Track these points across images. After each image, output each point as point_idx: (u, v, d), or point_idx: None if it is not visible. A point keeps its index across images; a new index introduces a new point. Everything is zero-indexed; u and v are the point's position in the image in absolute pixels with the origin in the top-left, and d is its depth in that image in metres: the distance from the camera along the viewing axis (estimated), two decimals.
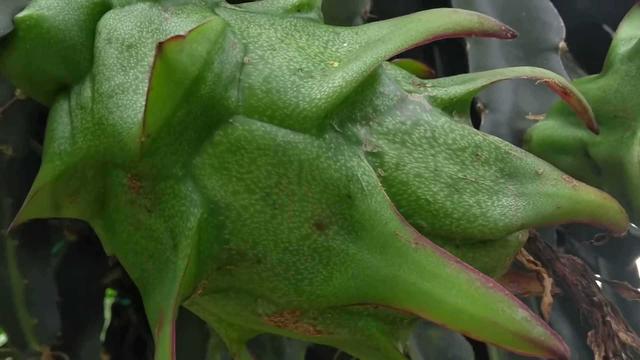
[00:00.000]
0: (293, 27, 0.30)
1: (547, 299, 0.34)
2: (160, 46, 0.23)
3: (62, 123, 0.28)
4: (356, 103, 0.28)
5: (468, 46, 0.51)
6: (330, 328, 0.29)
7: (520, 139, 0.46)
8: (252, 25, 0.29)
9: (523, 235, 0.33)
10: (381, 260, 0.25)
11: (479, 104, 0.48)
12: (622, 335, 0.35)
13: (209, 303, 0.30)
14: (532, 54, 0.51)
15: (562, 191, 0.31)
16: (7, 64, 0.29)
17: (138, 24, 0.28)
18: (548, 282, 0.35)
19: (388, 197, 0.26)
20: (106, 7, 0.29)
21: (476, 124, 0.48)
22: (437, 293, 0.24)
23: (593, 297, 0.37)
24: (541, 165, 0.32)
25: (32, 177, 0.29)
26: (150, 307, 0.28)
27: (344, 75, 0.27)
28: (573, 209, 0.32)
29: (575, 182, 0.32)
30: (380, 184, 0.27)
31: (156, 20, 0.28)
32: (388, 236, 0.25)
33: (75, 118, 0.28)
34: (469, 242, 0.30)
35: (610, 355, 0.35)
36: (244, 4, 0.33)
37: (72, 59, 0.28)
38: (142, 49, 0.27)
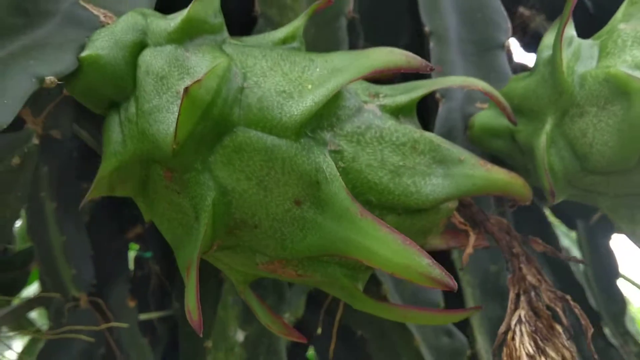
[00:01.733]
0: (279, 57, 0.41)
1: (469, 250, 0.46)
2: (186, 89, 0.34)
3: (115, 131, 0.40)
4: (324, 115, 0.39)
5: (431, 44, 0.62)
6: (307, 272, 0.41)
7: (468, 123, 0.57)
8: (249, 58, 0.41)
9: (452, 204, 0.45)
10: (338, 226, 0.37)
11: (437, 94, 0.59)
12: (530, 278, 0.47)
13: (222, 256, 0.42)
14: (484, 50, 0.61)
15: (477, 172, 0.43)
16: (74, 89, 0.40)
17: (167, 60, 0.39)
18: (472, 238, 0.47)
19: (344, 183, 0.38)
20: (143, 46, 0.40)
21: (435, 110, 0.59)
22: (373, 247, 0.36)
23: (513, 249, 0.49)
24: (463, 154, 0.43)
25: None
26: (181, 258, 0.40)
27: (313, 97, 0.38)
28: (486, 185, 0.43)
29: (489, 166, 0.44)
30: (339, 173, 0.38)
31: (180, 58, 0.39)
32: (343, 210, 0.37)
33: (125, 128, 0.40)
34: (409, 211, 0.42)
35: (521, 292, 0.47)
36: (244, 38, 0.44)
37: (120, 85, 0.40)
38: (171, 79, 0.39)
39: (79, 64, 0.39)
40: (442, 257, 0.44)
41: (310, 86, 0.39)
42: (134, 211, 0.96)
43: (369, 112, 0.42)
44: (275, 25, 0.67)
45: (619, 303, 1.20)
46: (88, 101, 0.41)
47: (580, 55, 0.46)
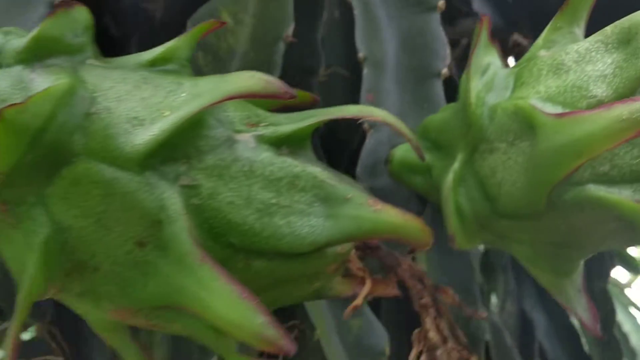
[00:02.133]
0: (142, 80, 0.37)
1: (357, 301, 0.41)
2: (1, 111, 0.31)
3: None
4: (178, 146, 0.35)
5: (365, 71, 0.57)
6: (161, 323, 0.37)
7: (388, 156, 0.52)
8: (106, 80, 0.37)
9: (343, 248, 0.40)
10: (176, 273, 0.33)
11: (365, 125, 0.55)
12: (432, 335, 0.41)
13: (72, 300, 0.38)
14: (421, 78, 0.57)
15: (364, 213, 0.38)
16: None
17: (12, 82, 0.36)
18: (366, 288, 0.42)
19: (188, 223, 0.33)
20: None
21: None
22: (207, 300, 0.31)
23: (421, 299, 0.44)
24: (350, 192, 0.39)
25: None
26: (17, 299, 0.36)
27: (162, 125, 0.34)
28: (373, 229, 0.38)
29: (380, 206, 0.39)
30: (192, 212, 0.34)
31: (25, 80, 0.36)
32: (182, 254, 0.33)
33: None
34: (283, 255, 0.37)
35: (424, 350, 0.42)
36: (112, 59, 0.41)
37: None
38: (11, 103, 0.35)
39: None
40: None
41: (167, 112, 0.35)
42: None
43: (239, 143, 0.37)
44: (209, 49, 0.64)
45: (613, 350, 1.13)
46: None
47: (493, 85, 0.42)
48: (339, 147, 0.68)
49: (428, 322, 0.42)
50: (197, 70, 0.61)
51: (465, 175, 0.42)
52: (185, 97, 0.37)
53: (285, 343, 0.30)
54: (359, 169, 0.53)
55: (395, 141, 0.54)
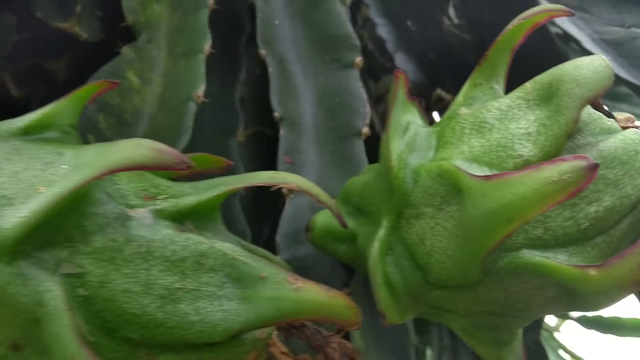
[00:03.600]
0: (14, 151, 0.32)
1: None
2: None
3: None
4: (57, 227, 0.30)
5: (281, 131, 0.54)
6: None
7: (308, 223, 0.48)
8: None
9: (262, 333, 0.36)
10: None
11: (284, 190, 0.51)
12: None
13: None
14: (341, 138, 0.54)
15: (282, 293, 0.34)
16: None
17: None
18: None
19: (71, 321, 0.28)
20: None
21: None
22: None
23: None
24: (266, 270, 0.34)
25: None
26: None
27: (32, 206, 0.29)
28: (294, 310, 0.34)
29: (301, 283, 0.35)
30: (68, 308, 0.29)
31: None
32: (66, 357, 0.27)
33: None
34: (193, 346, 0.32)
35: None
36: None
37: None
38: None
39: None
40: None
41: (42, 189, 0.30)
42: None
43: (134, 220, 0.32)
44: (111, 111, 0.59)
45: None
46: None
47: (415, 145, 0.39)
48: (263, 212, 0.64)
49: None
50: (99, 135, 0.56)
51: (392, 243, 0.38)
52: (66, 170, 0.32)
53: None
54: (278, 238, 0.48)
55: (318, 206, 0.51)
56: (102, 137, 0.54)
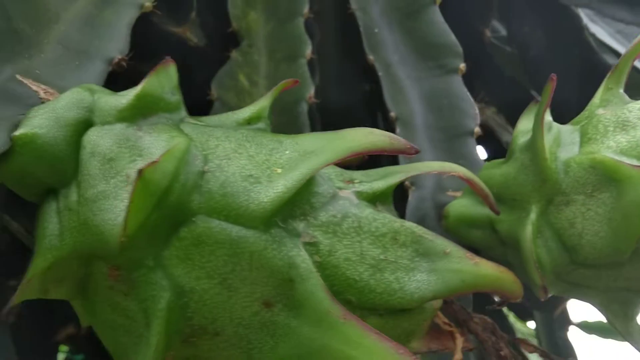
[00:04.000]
0: (244, 138, 0.37)
1: (458, 356, 0.41)
2: (140, 171, 0.29)
3: (52, 222, 0.34)
4: (296, 203, 0.35)
5: (397, 130, 0.59)
6: None
7: (440, 211, 0.53)
8: (211, 139, 0.36)
9: (437, 303, 0.40)
10: (316, 332, 0.32)
11: (406, 182, 0.56)
12: None
13: None
14: (452, 137, 0.59)
15: (465, 267, 0.38)
16: (4, 173, 0.35)
17: (117, 140, 0.34)
18: (459, 341, 0.42)
19: (322, 280, 0.33)
20: (88, 125, 0.35)
21: (404, 198, 0.56)
22: (359, 358, 0.30)
23: (500, 351, 0.44)
24: (449, 246, 0.39)
25: None
26: None
27: (285, 183, 0.33)
28: (475, 282, 0.39)
29: (477, 259, 0.39)
30: (316, 269, 0.33)
31: (132, 138, 0.34)
32: (322, 313, 0.32)
33: (64, 218, 0.34)
34: (391, 311, 0.37)
35: None
36: (203, 118, 0.40)
37: (60, 168, 0.34)
38: (120, 162, 0.34)
39: (11, 143, 0.34)
40: None
41: (280, 170, 0.35)
42: (67, 309, 0.88)
43: (344, 200, 0.37)
44: (231, 109, 0.64)
45: None
46: (20, 187, 0.36)
47: (561, 141, 0.44)
48: None
49: None
50: None
51: (541, 227, 0.43)
52: (291, 154, 0.36)
53: None
54: None
55: (438, 198, 0.55)
56: None
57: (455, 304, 0.46)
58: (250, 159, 0.35)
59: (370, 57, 0.64)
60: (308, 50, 0.67)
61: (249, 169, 0.35)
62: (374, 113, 0.67)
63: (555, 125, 0.46)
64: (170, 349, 0.33)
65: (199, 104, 0.63)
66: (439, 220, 0.52)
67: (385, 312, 0.37)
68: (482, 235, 0.49)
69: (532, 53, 0.92)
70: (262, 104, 0.41)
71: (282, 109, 0.64)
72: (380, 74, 0.62)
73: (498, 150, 0.94)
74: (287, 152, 0.37)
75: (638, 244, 0.39)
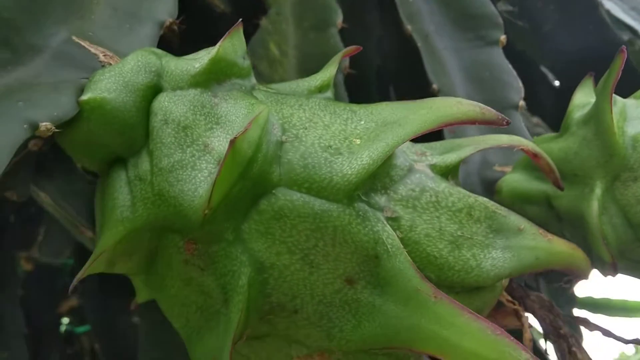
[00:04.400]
0: (317, 107, 0.35)
1: (527, 334, 0.40)
2: (232, 141, 0.27)
3: (122, 192, 0.32)
4: (377, 176, 0.33)
5: None
6: None
7: (487, 187, 0.52)
8: (284, 107, 0.34)
9: (505, 281, 0.39)
10: (405, 311, 0.30)
11: None
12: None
13: (245, 349, 0.34)
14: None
15: (540, 244, 0.37)
16: (69, 139, 0.33)
17: (191, 107, 0.32)
18: (526, 319, 0.41)
19: (409, 257, 0.31)
20: (157, 90, 0.33)
21: None
22: (453, 339, 0.29)
23: (560, 329, 0.43)
24: (522, 222, 0.38)
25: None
26: (199, 352, 0.32)
27: (370, 154, 0.32)
28: (549, 259, 0.38)
29: (550, 236, 0.38)
30: (402, 246, 0.32)
31: (207, 105, 0.33)
32: (411, 291, 0.30)
33: (135, 188, 0.32)
34: (467, 289, 0.36)
35: None
36: (273, 85, 0.38)
37: (130, 135, 0.32)
38: (197, 130, 0.32)
39: (79, 109, 0.32)
40: None
41: (358, 141, 0.33)
42: (67, 281, 0.88)
43: (420, 173, 0.35)
44: (266, 80, 0.62)
45: None
46: (84, 155, 0.34)
47: (627, 115, 0.43)
48: None
49: (577, 352, 0.42)
50: None
51: (606, 203, 0.42)
52: (366, 125, 0.35)
53: None
54: None
55: (485, 173, 0.54)
56: None
57: (512, 281, 0.45)
58: (326, 128, 0.34)
59: (408, 27, 0.61)
60: (339, 19, 0.65)
61: (326, 139, 0.33)
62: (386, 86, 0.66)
63: (619, 99, 0.44)
64: (248, 326, 0.31)
65: None
66: (487, 196, 0.50)
67: (462, 290, 0.35)
68: (538, 211, 0.48)
69: (546, 28, 0.90)
70: (330, 71, 0.39)
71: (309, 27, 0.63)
72: (419, 44, 0.61)
73: None
74: (362, 122, 0.35)
75: None
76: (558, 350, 0.43)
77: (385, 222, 0.32)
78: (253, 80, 0.36)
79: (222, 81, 0.34)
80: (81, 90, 0.32)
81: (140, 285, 0.36)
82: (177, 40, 0.77)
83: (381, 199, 0.33)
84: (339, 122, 0.35)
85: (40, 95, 0.31)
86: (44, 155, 0.48)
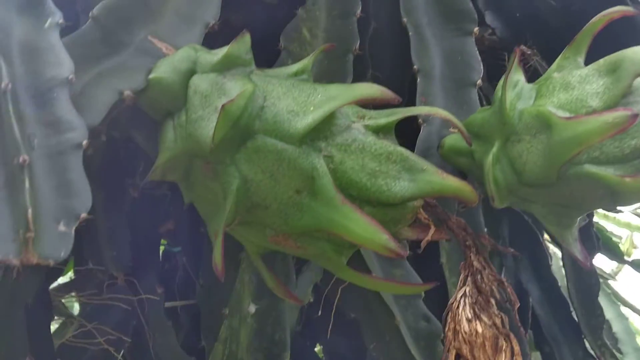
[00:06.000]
0: (291, 85, 0.56)
1: (427, 238, 0.60)
2: (223, 105, 0.49)
3: (170, 132, 0.55)
4: (320, 130, 0.54)
5: (419, 79, 0.76)
6: (304, 245, 0.55)
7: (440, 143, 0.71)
8: (269, 85, 0.56)
9: (418, 203, 0.59)
10: (326, 210, 0.52)
11: (420, 120, 0.74)
12: (476, 264, 0.61)
13: (241, 229, 0.57)
14: (460, 86, 0.76)
15: (435, 178, 0.57)
16: (142, 100, 0.56)
17: (210, 84, 0.55)
18: (431, 231, 0.61)
19: (332, 179, 0.52)
20: (193, 72, 0.56)
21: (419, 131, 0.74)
22: (349, 226, 0.50)
23: (466, 242, 0.63)
24: (426, 165, 0.57)
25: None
26: (212, 227, 0.55)
27: (314, 116, 0.53)
28: (441, 189, 0.57)
29: (445, 175, 0.58)
30: (328, 172, 0.53)
31: (219, 83, 0.55)
32: (329, 198, 0.52)
33: (177, 131, 0.55)
34: (382, 204, 0.56)
35: (469, 274, 0.61)
36: (266, 70, 0.60)
37: (176, 99, 0.55)
38: (212, 98, 0.54)
39: (147, 83, 0.55)
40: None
41: (312, 108, 0.54)
42: (167, 208, 1.11)
43: (355, 130, 0.56)
44: (295, 58, 0.82)
45: (598, 317, 1.31)
46: (151, 110, 0.57)
47: (521, 96, 0.61)
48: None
49: (472, 257, 0.61)
50: None
51: (500, 157, 0.61)
52: (321, 98, 0.55)
53: (402, 251, 0.49)
54: (416, 152, 0.71)
55: (442, 132, 0.73)
56: None
57: (438, 207, 0.65)
58: (294, 99, 0.55)
59: (404, 20, 0.80)
60: (359, 9, 0.84)
61: (292, 106, 0.54)
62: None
63: (522, 83, 0.62)
64: (238, 214, 0.54)
65: (269, 53, 0.82)
66: (438, 149, 0.70)
67: (377, 204, 0.56)
68: (466, 161, 0.67)
69: (574, 7, 1.04)
70: (305, 62, 0.60)
71: (333, 57, 0.83)
72: (410, 33, 0.79)
73: None
74: (319, 96, 0.56)
75: (560, 173, 0.56)
76: (464, 256, 0.63)
77: (321, 158, 0.53)
78: (253, 67, 0.58)
79: (231, 68, 0.56)
80: (149, 72, 0.55)
81: (183, 190, 0.59)
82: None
83: (322, 144, 0.54)
84: (304, 95, 0.56)
85: (126, 74, 0.55)
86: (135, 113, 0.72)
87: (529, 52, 1.39)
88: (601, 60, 0.59)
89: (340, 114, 0.56)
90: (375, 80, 0.91)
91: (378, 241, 0.49)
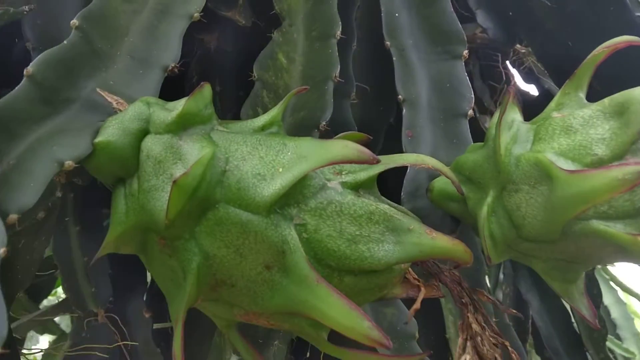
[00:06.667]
0: (257, 142, 0.50)
1: (416, 305, 0.54)
2: (175, 181, 0.43)
3: (121, 203, 0.49)
4: (291, 195, 0.48)
5: (404, 110, 0.70)
6: (278, 323, 0.49)
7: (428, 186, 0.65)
8: (232, 144, 0.49)
9: (405, 265, 0.53)
10: (299, 290, 0.45)
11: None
12: (475, 326, 0.55)
13: (207, 306, 0.51)
14: (449, 117, 0.69)
15: (424, 240, 0.51)
16: (89, 167, 0.49)
17: (164, 147, 0.48)
18: (422, 293, 0.55)
19: (304, 254, 0.46)
20: (146, 132, 0.49)
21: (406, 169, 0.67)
22: (325, 310, 0.44)
23: (462, 299, 0.57)
24: (413, 224, 0.51)
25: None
26: (172, 310, 0.49)
27: (282, 182, 0.46)
28: (431, 252, 0.51)
29: (435, 234, 0.51)
30: (303, 244, 0.46)
31: (175, 146, 0.48)
32: (302, 277, 0.45)
33: (128, 201, 0.48)
34: (364, 272, 0.50)
35: (468, 338, 0.55)
36: (230, 125, 0.53)
37: (126, 165, 0.49)
38: (166, 164, 0.47)
39: (93, 148, 0.48)
40: None
41: (281, 169, 0.48)
42: None
43: (331, 190, 0.50)
44: (270, 88, 0.75)
45: (600, 330, 1.27)
46: (100, 176, 0.50)
47: (517, 138, 0.54)
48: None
49: (469, 317, 0.55)
50: (264, 107, 0.73)
51: (496, 208, 0.54)
52: (291, 156, 0.49)
53: (386, 341, 0.42)
54: (403, 194, 0.65)
55: (431, 172, 0.67)
56: (266, 109, 0.71)
57: (429, 261, 0.58)
58: (261, 159, 0.48)
59: (387, 43, 0.74)
60: (338, 31, 0.77)
61: (258, 168, 0.48)
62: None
63: (517, 123, 0.56)
64: (200, 293, 0.48)
65: (244, 84, 0.76)
66: (427, 192, 0.64)
67: (359, 273, 0.50)
68: (458, 207, 0.61)
69: (570, 9, 0.97)
70: (274, 113, 0.53)
71: (313, 85, 0.76)
72: (394, 58, 0.73)
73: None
74: (289, 153, 0.49)
75: (564, 229, 0.50)
76: (461, 314, 0.57)
77: (292, 228, 0.47)
78: (214, 122, 0.51)
79: (188, 128, 0.49)
80: (97, 133, 0.49)
81: (145, 262, 0.53)
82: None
83: (293, 211, 0.48)
84: (272, 153, 0.49)
85: (68, 139, 0.48)
86: None
87: (523, 51, 1.33)
88: (606, 100, 0.52)
89: (314, 172, 0.50)
90: (356, 107, 0.85)
91: (359, 330, 0.43)
